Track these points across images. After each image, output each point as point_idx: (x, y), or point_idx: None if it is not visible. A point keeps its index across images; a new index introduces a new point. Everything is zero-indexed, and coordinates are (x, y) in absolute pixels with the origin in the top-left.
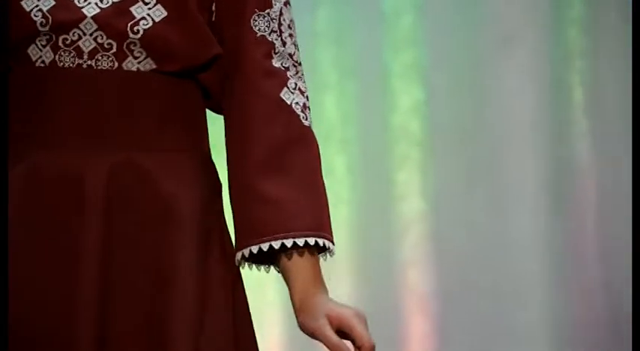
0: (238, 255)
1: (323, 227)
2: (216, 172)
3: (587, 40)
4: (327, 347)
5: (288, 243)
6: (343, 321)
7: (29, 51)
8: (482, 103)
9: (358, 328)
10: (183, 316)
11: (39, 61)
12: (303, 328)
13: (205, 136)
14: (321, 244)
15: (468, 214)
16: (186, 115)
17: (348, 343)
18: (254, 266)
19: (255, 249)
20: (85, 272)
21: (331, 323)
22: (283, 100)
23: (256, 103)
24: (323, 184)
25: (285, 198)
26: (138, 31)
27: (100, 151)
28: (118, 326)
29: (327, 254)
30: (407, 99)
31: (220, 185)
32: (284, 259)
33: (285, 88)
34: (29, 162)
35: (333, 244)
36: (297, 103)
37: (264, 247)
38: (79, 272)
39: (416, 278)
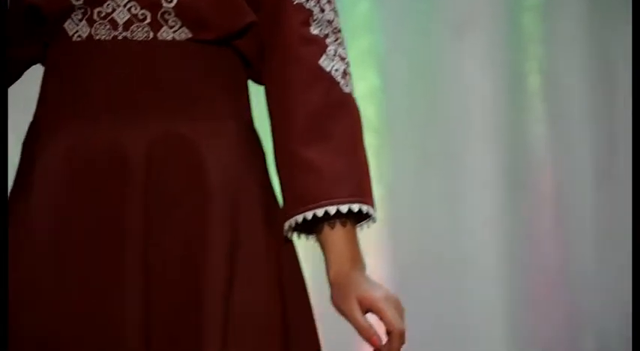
0: (286, 225)
1: (365, 194)
2: (259, 139)
3: (545, 27)
4: (356, 330)
5: (332, 210)
6: (373, 305)
7: (65, 26)
8: (437, 89)
9: (388, 313)
10: (214, 293)
11: (75, 35)
12: (334, 304)
13: (247, 104)
14: (364, 211)
15: (424, 199)
16: (227, 83)
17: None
18: (303, 236)
19: (300, 218)
20: (130, 250)
21: (361, 305)
22: (322, 68)
23: (295, 71)
24: (364, 150)
25: (328, 165)
26: (171, 0)
27: (140, 122)
28: (159, 306)
29: (369, 223)
30: (363, 85)
31: (263, 154)
32: (324, 229)
33: (324, 56)
34: (69, 137)
35: (374, 207)
36: (336, 70)
37: (309, 215)
38: (124, 250)
39: (371, 263)
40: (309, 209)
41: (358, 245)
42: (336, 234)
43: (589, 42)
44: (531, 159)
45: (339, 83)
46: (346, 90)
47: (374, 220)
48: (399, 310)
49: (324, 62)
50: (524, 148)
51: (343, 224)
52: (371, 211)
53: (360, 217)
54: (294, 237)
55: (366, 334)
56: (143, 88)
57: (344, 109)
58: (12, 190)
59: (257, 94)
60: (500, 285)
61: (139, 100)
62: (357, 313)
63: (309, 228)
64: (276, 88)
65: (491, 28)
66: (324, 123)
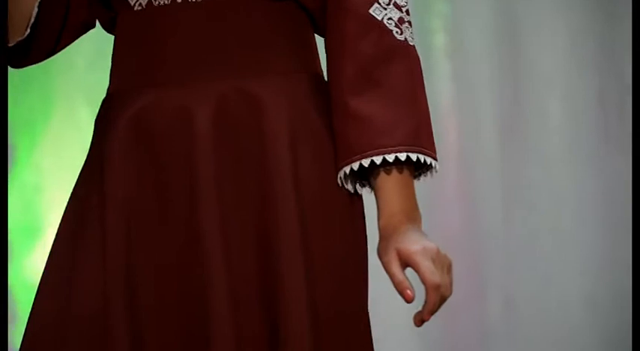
0: (339, 175)
1: (418, 142)
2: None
3: None
4: (392, 283)
5: (378, 160)
6: (409, 258)
7: None
8: None
9: (421, 266)
10: (291, 247)
11: (137, 5)
12: (378, 255)
13: (316, 57)
14: (415, 160)
15: None
16: (292, 38)
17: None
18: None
19: (347, 169)
20: (204, 213)
21: (400, 259)
22: (373, 17)
23: (345, 21)
24: (421, 97)
25: (377, 114)
26: None
27: (206, 81)
28: (235, 267)
29: (432, 172)
30: None
31: None
32: (379, 176)
33: (376, 4)
34: (138, 103)
35: (435, 159)
36: (390, 18)
37: (355, 166)
38: (199, 214)
39: None
40: (356, 160)
41: (413, 196)
42: (389, 182)
43: (494, 1)
44: (435, 117)
45: (391, 31)
46: (400, 37)
47: (436, 170)
48: (440, 265)
49: (374, 11)
50: (430, 104)
51: (390, 173)
52: (428, 159)
53: (420, 167)
54: (362, 190)
55: (399, 287)
56: (208, 48)
57: (396, 56)
58: (83, 166)
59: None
60: None
61: (206, 61)
62: (393, 265)
63: (366, 178)
64: (330, 40)
65: None
66: (374, 72)
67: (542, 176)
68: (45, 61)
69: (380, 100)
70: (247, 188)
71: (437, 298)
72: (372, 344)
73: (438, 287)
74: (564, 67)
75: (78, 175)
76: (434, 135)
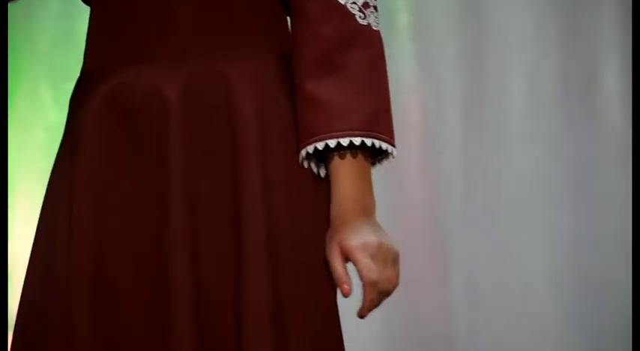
0: (299, 158)
1: (375, 127)
2: None
3: None
4: (333, 277)
5: (332, 143)
6: (349, 254)
7: None
8: None
9: (359, 263)
10: (256, 231)
11: None
12: (325, 244)
13: (288, 38)
14: (370, 145)
15: None
16: (265, 18)
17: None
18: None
19: (303, 152)
20: (174, 200)
21: (341, 253)
22: (336, 1)
23: (307, 4)
24: (381, 83)
25: (334, 98)
26: None
27: (180, 62)
28: (204, 239)
29: (389, 158)
30: None
31: None
32: (333, 161)
33: None
34: (112, 82)
35: (393, 145)
36: (353, 2)
37: (310, 149)
38: (168, 200)
39: None
40: (311, 143)
41: (367, 182)
42: (343, 167)
43: None
44: (398, 98)
45: (354, 16)
46: (362, 22)
47: (392, 156)
48: (381, 259)
49: None
50: (393, 82)
51: (354, 156)
52: (384, 145)
53: (379, 154)
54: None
55: (338, 282)
56: (183, 29)
57: (358, 41)
58: (60, 146)
59: None
60: None
61: (179, 41)
62: (334, 260)
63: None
64: (293, 23)
65: None
66: (335, 56)
67: (505, 157)
68: (8, 42)
69: (338, 85)
70: (216, 170)
71: (374, 295)
72: (339, 323)
73: (374, 284)
74: (529, 48)
75: (56, 154)
76: (396, 115)
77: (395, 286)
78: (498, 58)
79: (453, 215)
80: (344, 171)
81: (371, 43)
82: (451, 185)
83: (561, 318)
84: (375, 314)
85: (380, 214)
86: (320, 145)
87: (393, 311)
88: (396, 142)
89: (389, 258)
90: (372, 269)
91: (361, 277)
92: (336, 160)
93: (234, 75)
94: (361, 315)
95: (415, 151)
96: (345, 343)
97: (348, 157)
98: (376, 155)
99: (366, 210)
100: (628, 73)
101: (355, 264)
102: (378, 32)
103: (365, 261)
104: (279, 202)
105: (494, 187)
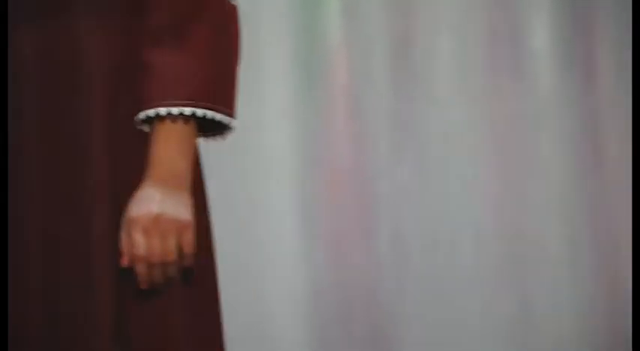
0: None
1: (210, 98)
2: None
3: None
4: None
5: (163, 112)
6: (125, 226)
7: None
8: None
9: (127, 237)
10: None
11: None
12: None
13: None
14: (201, 115)
15: None
16: None
17: None
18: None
19: (137, 119)
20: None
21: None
22: None
23: None
24: (225, 55)
25: (170, 67)
26: None
27: (40, 19)
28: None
29: (226, 132)
30: None
31: None
32: (154, 128)
33: None
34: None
35: (231, 116)
36: None
37: (142, 116)
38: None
39: None
40: (144, 109)
41: (182, 146)
42: (158, 131)
43: None
44: (325, 55)
45: None
46: None
47: (229, 129)
48: (158, 232)
49: None
50: (320, 38)
51: (174, 122)
52: (218, 116)
53: (218, 128)
54: None
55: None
56: None
57: (207, 12)
58: None
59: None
60: (295, 183)
61: None
62: (121, 231)
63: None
64: None
65: None
66: (180, 26)
67: (432, 114)
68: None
69: (177, 54)
70: (64, 138)
71: (143, 270)
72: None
73: (139, 259)
74: (455, 3)
75: None
76: (325, 72)
77: (171, 258)
78: (425, 13)
79: (381, 172)
80: (158, 135)
81: (222, 15)
82: (379, 142)
83: (488, 272)
84: (299, 264)
85: (307, 179)
86: (152, 113)
87: (317, 266)
88: (326, 94)
89: (170, 230)
90: (137, 243)
91: (123, 252)
92: (156, 124)
93: (90, 36)
94: (138, 288)
95: (342, 108)
96: (271, 302)
97: (167, 121)
98: (215, 129)
99: (172, 173)
100: (556, 29)
101: (126, 236)
102: (234, 6)
103: (134, 235)
104: (125, 181)
105: (422, 143)
